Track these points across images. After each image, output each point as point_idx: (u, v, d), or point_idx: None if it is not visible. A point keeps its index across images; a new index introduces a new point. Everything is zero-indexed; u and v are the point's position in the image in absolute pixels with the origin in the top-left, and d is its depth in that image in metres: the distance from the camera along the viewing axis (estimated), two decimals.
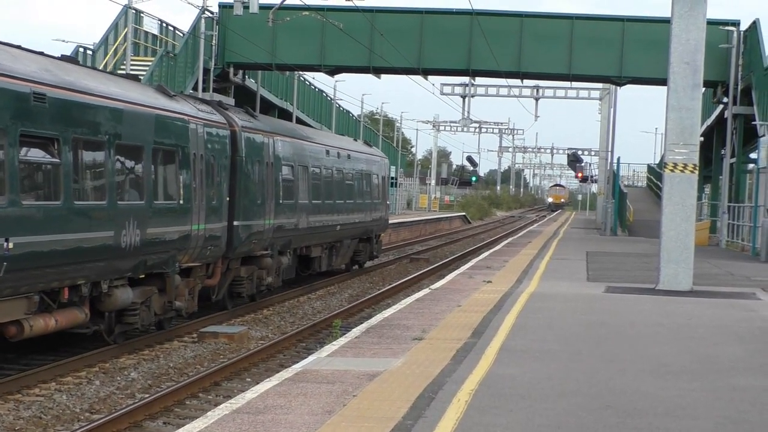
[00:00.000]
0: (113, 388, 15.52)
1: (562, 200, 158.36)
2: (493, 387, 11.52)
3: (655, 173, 77.50)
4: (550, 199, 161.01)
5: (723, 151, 48.12)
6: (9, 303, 14.54)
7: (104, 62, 37.89)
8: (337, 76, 55.61)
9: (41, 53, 16.01)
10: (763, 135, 38.88)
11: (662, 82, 30.48)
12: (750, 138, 47.00)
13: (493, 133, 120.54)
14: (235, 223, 22.78)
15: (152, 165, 18.42)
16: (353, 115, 76.62)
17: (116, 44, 39.00)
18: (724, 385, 12.08)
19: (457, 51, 42.49)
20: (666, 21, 27.96)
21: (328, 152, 30.63)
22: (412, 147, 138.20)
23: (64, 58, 17.18)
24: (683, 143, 23.35)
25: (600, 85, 68.92)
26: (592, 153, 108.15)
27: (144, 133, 18.11)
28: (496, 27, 42.09)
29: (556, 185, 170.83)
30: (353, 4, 38.29)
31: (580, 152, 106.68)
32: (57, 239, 15.16)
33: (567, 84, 58.52)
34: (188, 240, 20.02)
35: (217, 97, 38.92)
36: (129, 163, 17.66)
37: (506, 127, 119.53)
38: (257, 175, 24.05)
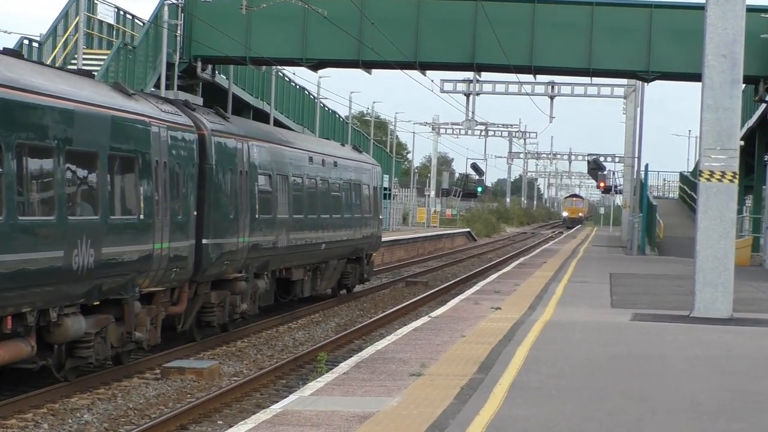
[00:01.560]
0: None
1: (581, 214, 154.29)
2: (503, 431, 11.51)
3: (689, 183, 77.65)
4: (565, 213, 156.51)
5: (766, 157, 48.19)
6: None
7: (53, 56, 37.90)
8: (322, 72, 55.61)
9: None
10: None
11: (696, 77, 30.56)
12: None
13: (501, 136, 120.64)
14: (204, 241, 22.77)
15: (108, 174, 18.42)
16: (340, 117, 76.74)
17: (66, 35, 38.99)
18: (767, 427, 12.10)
19: (460, 42, 42.53)
20: (700, 7, 28.03)
21: (311, 159, 30.67)
22: (408, 153, 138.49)
23: (6, 51, 17.21)
24: (721, 148, 23.40)
25: (624, 82, 69.07)
26: (616, 159, 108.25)
27: (98, 137, 18.11)
28: (505, 14, 42.12)
29: (573, 195, 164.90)
30: None
31: (602, 159, 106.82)
32: None
33: (587, 80, 58.43)
34: (150, 261, 20.00)
35: (183, 95, 38.90)
36: (81, 173, 17.66)
37: (517, 129, 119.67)
38: (229, 186, 24.05)
